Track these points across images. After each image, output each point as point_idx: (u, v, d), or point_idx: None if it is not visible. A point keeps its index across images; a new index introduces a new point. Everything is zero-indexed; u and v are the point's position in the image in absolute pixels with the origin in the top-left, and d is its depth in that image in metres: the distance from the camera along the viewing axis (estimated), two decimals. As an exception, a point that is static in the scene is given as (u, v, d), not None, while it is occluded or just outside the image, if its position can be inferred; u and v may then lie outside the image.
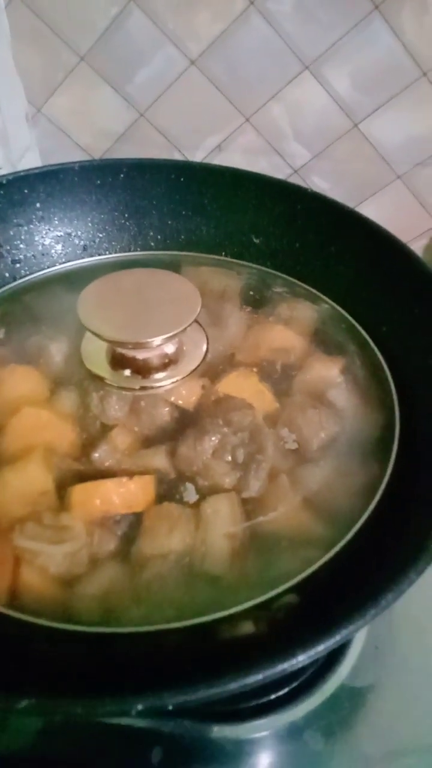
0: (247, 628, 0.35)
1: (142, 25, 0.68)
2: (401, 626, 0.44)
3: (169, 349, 0.46)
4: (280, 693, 0.43)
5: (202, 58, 0.69)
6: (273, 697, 0.43)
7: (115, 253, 0.65)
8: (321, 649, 0.28)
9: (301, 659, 0.28)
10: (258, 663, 0.27)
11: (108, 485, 0.40)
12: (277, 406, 0.47)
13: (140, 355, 0.45)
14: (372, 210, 0.78)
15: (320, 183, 0.77)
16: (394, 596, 0.31)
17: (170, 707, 0.25)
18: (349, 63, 0.66)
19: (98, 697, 0.25)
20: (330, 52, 0.66)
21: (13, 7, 0.69)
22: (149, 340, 0.42)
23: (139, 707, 0.25)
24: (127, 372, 0.45)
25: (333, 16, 0.63)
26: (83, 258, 0.64)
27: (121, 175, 0.62)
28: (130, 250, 0.65)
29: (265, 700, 0.43)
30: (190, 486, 0.41)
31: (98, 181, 0.62)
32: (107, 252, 0.65)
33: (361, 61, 0.66)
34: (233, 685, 0.27)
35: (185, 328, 0.42)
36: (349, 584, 0.36)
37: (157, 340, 0.42)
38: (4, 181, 0.59)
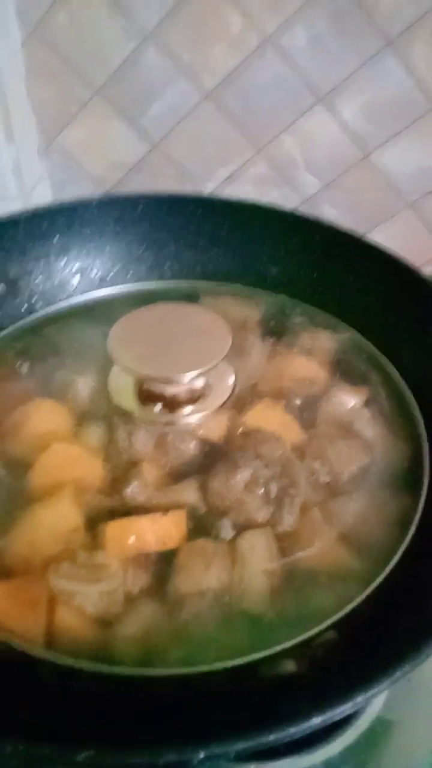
0: (290, 667, 0.35)
1: (158, 60, 0.69)
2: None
3: (198, 383, 0.46)
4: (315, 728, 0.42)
5: (216, 92, 0.70)
6: (308, 733, 0.42)
7: (133, 283, 0.65)
8: (378, 689, 0.28)
9: (360, 701, 0.28)
10: (320, 705, 0.27)
11: (142, 522, 0.40)
12: (304, 437, 0.47)
13: (169, 390, 0.45)
14: (382, 237, 0.78)
15: (330, 211, 0.78)
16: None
17: (232, 755, 0.25)
18: (361, 96, 0.68)
19: (160, 746, 0.25)
20: (342, 86, 0.67)
21: (30, 42, 0.70)
22: (180, 375, 0.42)
23: (201, 755, 0.25)
24: (156, 407, 0.45)
25: (346, 51, 0.65)
26: (101, 289, 0.64)
27: (139, 208, 0.63)
28: (147, 281, 0.65)
29: (299, 736, 0.42)
30: (224, 521, 0.41)
31: (116, 215, 0.63)
32: (125, 283, 0.65)
33: (373, 95, 0.67)
34: (293, 730, 0.26)
35: (217, 364, 0.42)
36: (391, 620, 0.36)
37: (187, 376, 0.42)
38: (24, 217, 0.60)
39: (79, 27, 0.68)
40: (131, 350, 0.43)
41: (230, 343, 0.43)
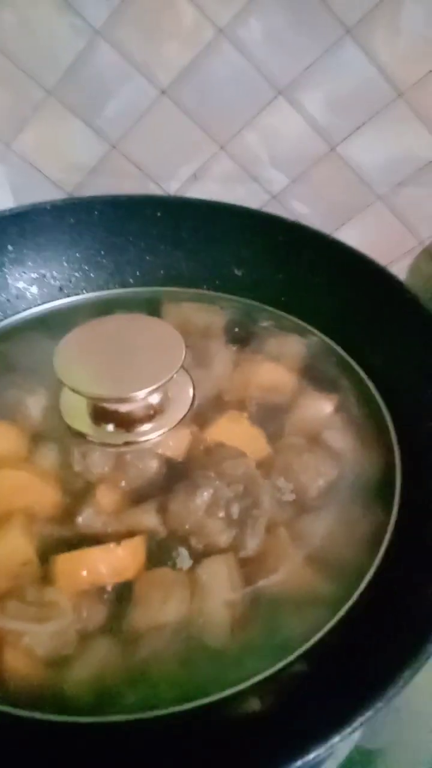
0: (254, 705, 0.33)
1: (110, 57, 0.66)
2: (415, 681, 0.41)
3: (154, 399, 0.43)
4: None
5: (173, 88, 0.67)
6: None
7: (93, 291, 0.62)
8: (357, 725, 0.26)
9: (337, 741, 0.26)
10: (274, 762, 0.25)
11: (94, 553, 0.37)
12: (271, 451, 0.45)
13: (123, 408, 0.42)
14: (354, 232, 0.77)
15: (300, 208, 0.76)
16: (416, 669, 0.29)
17: None
18: (323, 87, 0.65)
19: None
20: (303, 77, 0.65)
21: (-24, 44, 0.67)
22: (132, 394, 0.39)
23: None
24: (110, 426, 0.43)
25: (304, 41, 0.62)
26: (60, 299, 0.62)
27: (96, 213, 0.60)
28: (108, 288, 0.62)
29: None
30: (183, 549, 0.38)
31: (72, 220, 0.60)
32: (84, 291, 0.62)
33: (336, 85, 0.65)
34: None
35: (169, 379, 0.40)
36: (366, 645, 0.34)
37: (140, 393, 0.39)
38: (-28, 226, 0.57)
39: (26, 26, 0.65)
40: (78, 368, 0.40)
41: (183, 356, 0.41)
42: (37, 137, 0.74)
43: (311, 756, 0.26)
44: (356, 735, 0.40)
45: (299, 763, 0.26)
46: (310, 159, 0.71)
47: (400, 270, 0.79)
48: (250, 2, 0.61)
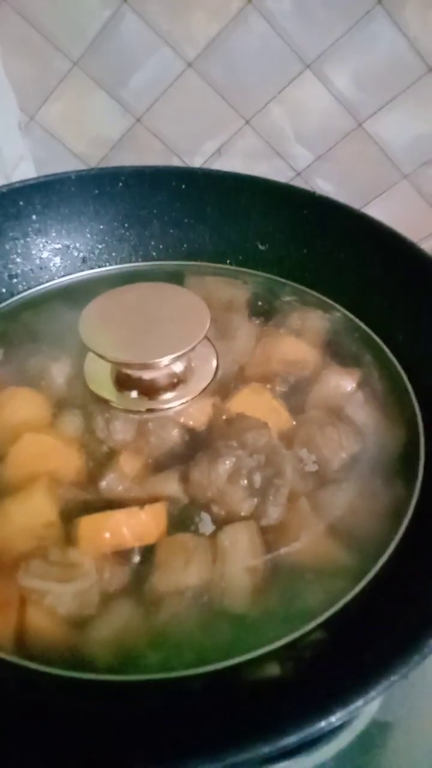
0: (274, 670, 0.33)
1: (136, 28, 0.66)
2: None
3: (178, 368, 0.43)
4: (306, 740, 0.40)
5: (199, 60, 0.67)
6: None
7: (116, 264, 0.62)
8: (373, 694, 0.26)
9: (353, 708, 0.25)
10: (295, 723, 0.25)
11: (118, 516, 0.37)
12: (293, 423, 0.45)
13: (147, 375, 0.42)
14: (378, 211, 0.76)
15: (324, 185, 0.75)
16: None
17: None
18: (351, 61, 0.64)
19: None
20: (332, 51, 0.64)
21: (2, 14, 0.67)
22: (156, 360, 0.39)
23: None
24: (134, 393, 0.43)
25: (334, 13, 0.61)
26: (83, 270, 0.62)
27: (120, 184, 0.60)
28: (131, 261, 0.62)
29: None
30: (205, 515, 0.38)
31: (96, 191, 0.60)
32: (107, 263, 0.62)
33: (364, 59, 0.64)
34: (283, 742, 0.24)
35: (194, 347, 0.40)
36: (385, 617, 0.34)
37: (164, 360, 0.39)
38: (-3, 194, 0.57)
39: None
40: (103, 334, 0.40)
41: (208, 324, 0.41)
42: (62, 109, 0.73)
43: (334, 718, 0.26)
44: (375, 704, 0.40)
45: (322, 724, 0.26)
46: (336, 135, 0.70)
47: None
48: (280, -28, 0.60)
